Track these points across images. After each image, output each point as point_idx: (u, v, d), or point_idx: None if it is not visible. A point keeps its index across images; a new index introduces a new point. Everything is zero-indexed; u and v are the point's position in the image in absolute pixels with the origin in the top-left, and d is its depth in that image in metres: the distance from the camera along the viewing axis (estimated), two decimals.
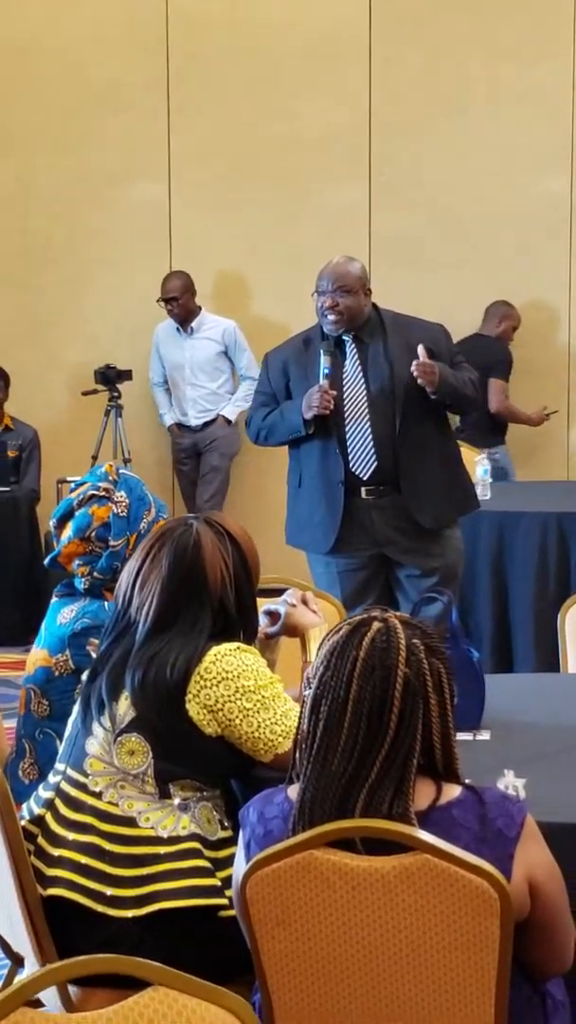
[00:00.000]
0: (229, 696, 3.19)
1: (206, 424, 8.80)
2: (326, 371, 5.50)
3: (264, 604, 3.60)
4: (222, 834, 3.22)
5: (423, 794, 2.62)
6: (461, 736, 3.52)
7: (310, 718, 2.65)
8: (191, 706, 3.19)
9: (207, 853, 3.19)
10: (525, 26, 8.86)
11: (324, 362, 5.50)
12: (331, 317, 5.53)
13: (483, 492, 7.02)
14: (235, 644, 3.25)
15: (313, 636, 3.51)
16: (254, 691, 3.20)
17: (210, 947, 3.08)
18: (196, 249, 9.02)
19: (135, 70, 8.98)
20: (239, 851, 2.74)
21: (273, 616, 3.60)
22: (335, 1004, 2.57)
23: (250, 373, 8.68)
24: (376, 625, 2.66)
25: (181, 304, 8.73)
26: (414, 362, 5.45)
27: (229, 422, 8.79)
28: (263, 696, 3.22)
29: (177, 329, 8.83)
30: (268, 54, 8.93)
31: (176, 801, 3.20)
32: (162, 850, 3.16)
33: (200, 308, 8.81)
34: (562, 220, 8.92)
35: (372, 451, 5.51)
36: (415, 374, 5.44)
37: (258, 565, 3.38)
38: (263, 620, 3.58)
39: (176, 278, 8.77)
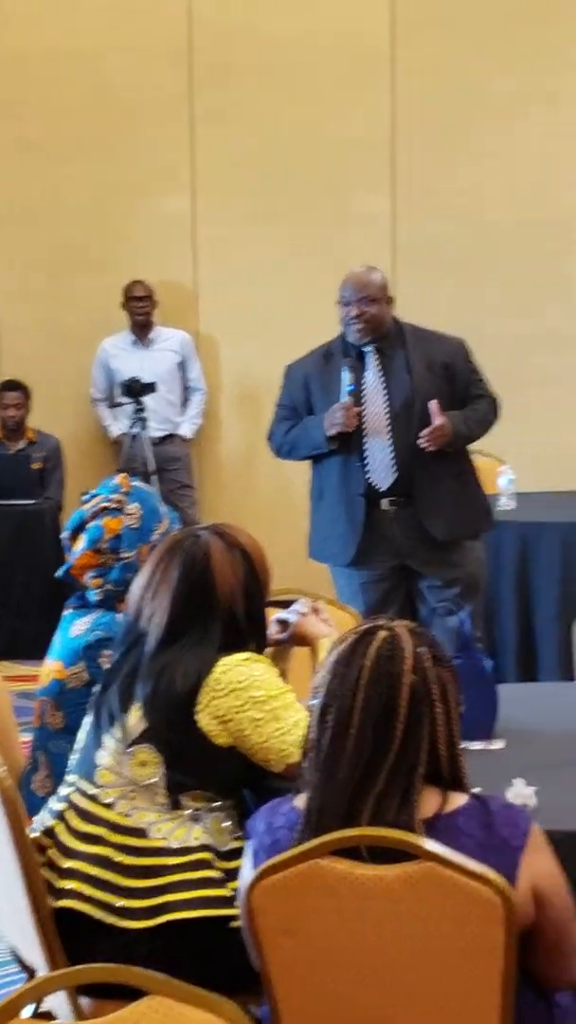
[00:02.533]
0: (239, 707, 3.19)
1: (163, 439, 8.75)
2: (350, 388, 5.50)
3: (275, 614, 3.60)
4: (234, 844, 3.22)
5: (429, 803, 2.61)
6: (475, 745, 3.56)
7: (317, 727, 2.65)
8: (202, 717, 3.19)
9: (218, 864, 3.19)
10: (552, 32, 8.84)
11: (347, 379, 5.50)
12: (357, 326, 5.53)
13: (507, 502, 7.01)
14: (245, 654, 3.25)
15: (323, 646, 3.51)
16: (264, 701, 3.20)
17: (221, 958, 3.08)
18: (221, 261, 9.03)
19: (158, 80, 9.00)
20: (246, 861, 2.74)
21: (284, 626, 3.61)
22: (342, 1012, 2.57)
23: (200, 385, 8.77)
24: (382, 634, 2.66)
25: (151, 304, 8.79)
26: (423, 432, 5.47)
27: (186, 440, 8.82)
28: (274, 706, 3.22)
29: (134, 342, 8.85)
30: (291, 65, 8.94)
31: (188, 812, 3.21)
32: (172, 861, 3.16)
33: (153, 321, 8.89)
34: None
35: (392, 464, 5.52)
36: (424, 446, 5.46)
37: (268, 575, 3.38)
38: (274, 629, 3.58)
39: (141, 283, 8.83)
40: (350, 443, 5.52)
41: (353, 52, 8.91)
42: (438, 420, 5.44)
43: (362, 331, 5.53)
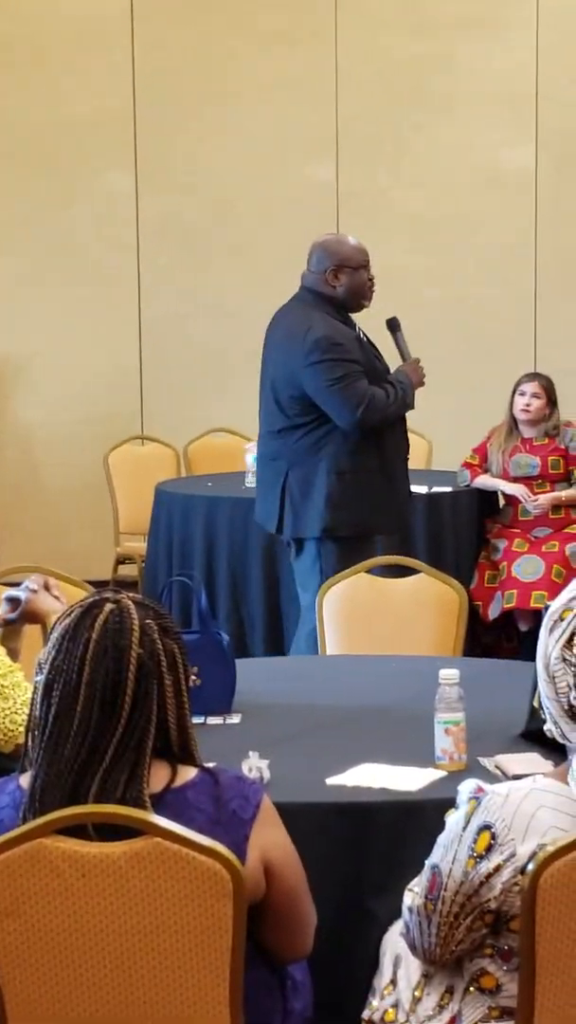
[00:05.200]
0: None
1: None
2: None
3: (4, 591, 3.51)
4: None
5: (158, 777, 2.56)
6: (212, 720, 3.53)
7: (42, 704, 2.58)
8: None
9: None
10: (288, 11, 8.86)
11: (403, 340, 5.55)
12: (374, 291, 5.44)
13: (252, 479, 7.01)
14: None
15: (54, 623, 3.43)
16: None
17: None
18: None
19: None
20: None
21: (14, 603, 3.52)
22: (68, 993, 2.51)
23: None
24: (108, 607, 2.59)
25: None
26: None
27: None
28: (2, 685, 3.14)
29: None
30: (31, 37, 8.79)
31: None
32: None
33: None
34: (329, 207, 8.94)
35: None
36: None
37: None
38: (4, 608, 3.49)
39: None
40: None
41: (93, 24, 8.80)
42: None
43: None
